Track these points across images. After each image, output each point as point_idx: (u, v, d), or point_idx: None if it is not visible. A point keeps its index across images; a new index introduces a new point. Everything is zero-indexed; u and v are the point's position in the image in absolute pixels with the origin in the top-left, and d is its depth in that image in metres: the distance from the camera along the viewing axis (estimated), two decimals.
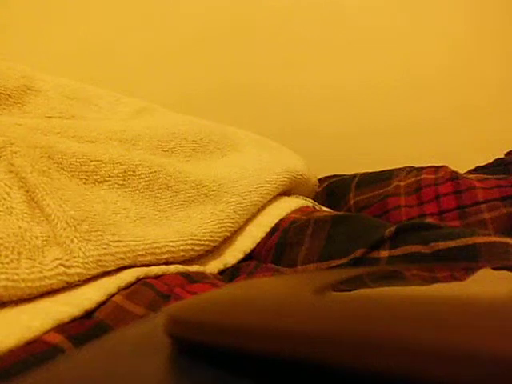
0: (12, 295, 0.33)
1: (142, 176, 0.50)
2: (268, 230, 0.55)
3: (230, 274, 0.49)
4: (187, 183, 0.52)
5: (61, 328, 0.32)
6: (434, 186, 0.61)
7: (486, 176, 0.61)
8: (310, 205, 0.64)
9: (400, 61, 1.02)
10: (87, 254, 0.38)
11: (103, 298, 0.36)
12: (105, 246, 0.39)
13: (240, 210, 0.53)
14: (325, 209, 0.66)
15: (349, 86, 1.04)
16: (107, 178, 0.47)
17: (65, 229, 0.38)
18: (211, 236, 0.48)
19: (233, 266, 0.50)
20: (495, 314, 0.10)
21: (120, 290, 0.38)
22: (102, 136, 0.53)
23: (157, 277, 0.41)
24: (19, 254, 0.34)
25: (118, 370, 0.14)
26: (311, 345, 0.11)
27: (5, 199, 0.38)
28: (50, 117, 0.58)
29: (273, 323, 0.12)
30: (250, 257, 0.53)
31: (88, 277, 0.38)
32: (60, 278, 0.36)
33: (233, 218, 0.52)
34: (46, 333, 0.31)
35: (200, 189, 0.53)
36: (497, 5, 0.98)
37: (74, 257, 0.37)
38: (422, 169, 0.67)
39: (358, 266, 0.45)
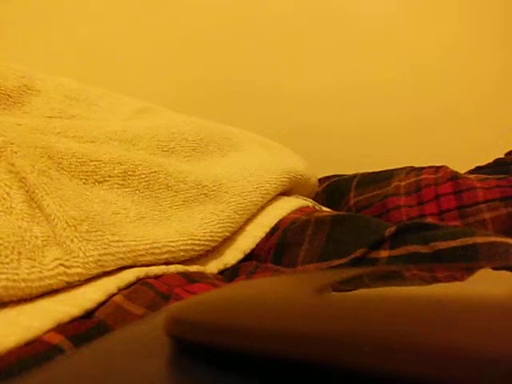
0: (12, 295, 0.33)
1: (142, 176, 0.50)
2: (268, 230, 0.55)
3: (230, 274, 0.49)
4: (187, 183, 0.52)
5: (61, 328, 0.32)
6: (433, 186, 0.61)
7: (485, 176, 0.61)
8: (310, 205, 0.64)
9: (400, 61, 1.02)
10: (87, 253, 0.38)
11: (103, 298, 0.36)
12: (105, 246, 0.39)
13: (240, 210, 0.53)
14: (325, 209, 0.65)
15: (349, 86, 1.04)
16: (107, 178, 0.47)
17: (65, 229, 0.38)
18: (211, 236, 0.48)
19: (233, 266, 0.50)
20: (495, 314, 0.10)
21: (120, 289, 0.38)
22: (102, 136, 0.53)
23: (157, 277, 0.41)
24: (19, 253, 0.34)
25: (117, 369, 0.14)
26: (311, 345, 0.11)
27: (5, 199, 0.38)
28: (50, 117, 0.58)
29: (273, 323, 0.12)
30: (250, 257, 0.53)
31: (88, 277, 0.38)
32: (60, 277, 0.36)
33: (233, 218, 0.52)
34: (46, 333, 0.31)
35: (200, 189, 0.53)
36: (495, 4, 0.98)
37: (74, 257, 0.37)
38: (421, 169, 0.67)
39: (357, 266, 0.45)
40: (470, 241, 0.41)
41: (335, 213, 0.57)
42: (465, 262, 0.40)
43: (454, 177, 0.61)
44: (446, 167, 0.66)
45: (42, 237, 0.37)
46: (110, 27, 1.12)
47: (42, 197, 0.40)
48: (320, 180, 0.78)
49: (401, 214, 0.60)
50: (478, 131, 0.96)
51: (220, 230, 0.50)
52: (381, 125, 1.02)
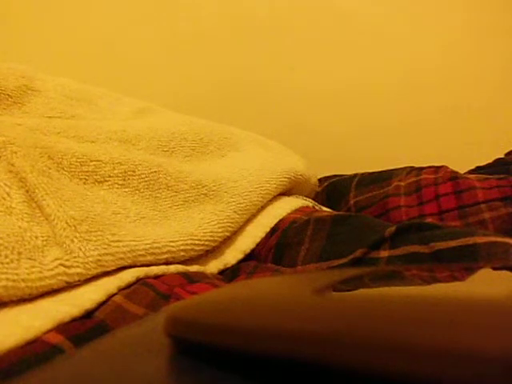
0: (12, 295, 0.33)
1: (142, 176, 0.50)
2: (268, 230, 0.55)
3: (230, 274, 0.49)
4: (187, 183, 0.52)
5: (61, 328, 0.32)
6: (433, 185, 0.61)
7: (486, 176, 0.61)
8: (310, 205, 0.64)
9: (400, 61, 1.02)
10: (87, 253, 0.38)
11: (103, 298, 0.36)
12: (105, 246, 0.39)
13: (240, 210, 0.53)
14: (325, 209, 0.65)
15: (349, 86, 1.04)
16: (107, 178, 0.47)
17: (65, 229, 0.38)
18: (211, 236, 0.48)
19: (233, 266, 0.50)
20: (495, 313, 0.10)
21: (120, 289, 0.38)
22: (102, 136, 0.53)
23: (157, 277, 0.41)
24: (19, 254, 0.34)
25: (117, 369, 0.14)
26: (311, 345, 0.11)
27: (5, 199, 0.38)
28: (50, 117, 0.58)
29: (273, 323, 0.12)
30: (250, 257, 0.53)
31: (88, 277, 0.38)
32: (60, 277, 0.36)
33: (233, 218, 0.52)
34: (46, 333, 0.31)
35: (200, 189, 0.53)
36: (495, 4, 0.98)
37: (74, 257, 0.37)
38: (421, 169, 0.67)
39: (357, 266, 0.45)
40: (470, 241, 0.41)
41: (335, 213, 0.57)
42: (465, 261, 0.40)
43: (454, 177, 0.61)
44: (446, 167, 0.66)
45: (42, 237, 0.37)
46: (110, 27, 1.12)
47: (41, 197, 0.40)
48: (320, 180, 0.78)
49: (401, 214, 0.61)
50: (478, 131, 0.96)
51: (220, 230, 0.50)
52: (381, 125, 1.02)
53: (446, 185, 0.60)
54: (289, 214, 0.58)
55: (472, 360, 0.08)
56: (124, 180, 0.48)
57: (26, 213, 0.38)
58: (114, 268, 0.39)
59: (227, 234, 0.51)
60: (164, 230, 0.46)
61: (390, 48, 1.02)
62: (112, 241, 0.40)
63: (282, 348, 0.11)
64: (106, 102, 0.69)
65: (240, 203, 0.54)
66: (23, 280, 0.33)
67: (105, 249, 0.39)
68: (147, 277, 0.40)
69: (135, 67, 1.11)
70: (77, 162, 0.46)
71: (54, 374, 0.14)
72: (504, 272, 0.24)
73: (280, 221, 0.56)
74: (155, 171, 0.51)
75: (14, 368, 0.27)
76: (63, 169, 0.45)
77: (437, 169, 0.65)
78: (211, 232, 0.48)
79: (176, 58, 1.10)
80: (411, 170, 0.69)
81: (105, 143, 0.52)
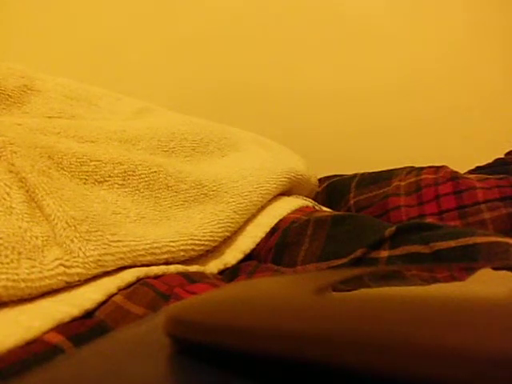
0: (12, 295, 0.33)
1: (142, 176, 0.50)
2: (268, 230, 0.55)
3: (229, 274, 0.49)
4: (187, 183, 0.52)
5: (61, 328, 0.32)
6: (433, 185, 0.61)
7: (486, 176, 0.61)
8: (310, 205, 0.64)
9: (400, 61, 1.02)
10: (87, 253, 0.38)
11: (103, 298, 0.36)
12: (105, 246, 0.39)
13: (240, 210, 0.53)
14: (325, 209, 0.65)
15: (349, 86, 1.04)
16: (107, 178, 0.47)
17: (65, 229, 0.38)
18: (211, 236, 0.48)
19: (233, 266, 0.50)
20: (495, 313, 0.10)
21: (120, 289, 0.38)
22: (102, 136, 0.53)
23: (157, 277, 0.41)
24: (19, 254, 0.34)
25: (117, 370, 0.14)
26: (311, 345, 0.11)
27: (5, 199, 0.38)
28: (49, 117, 0.58)
29: (273, 323, 0.12)
30: (250, 257, 0.53)
31: (88, 277, 0.38)
32: (60, 277, 0.36)
33: (233, 218, 0.52)
34: (46, 333, 0.31)
35: (200, 189, 0.53)
36: (496, 5, 0.98)
37: (74, 257, 0.37)
38: (421, 169, 0.67)
39: (357, 266, 0.45)
40: (470, 241, 0.41)
41: (335, 213, 0.57)
42: (465, 262, 0.40)
43: (454, 177, 0.61)
44: (446, 167, 0.66)
45: (42, 237, 0.37)
46: (111, 27, 1.12)
47: (41, 197, 0.40)
48: (320, 180, 0.78)
49: (401, 214, 0.60)
50: (478, 131, 0.96)
51: (220, 230, 0.50)
52: (381, 125, 1.02)
53: (446, 185, 0.60)
54: (289, 213, 0.58)
55: (472, 360, 0.08)
56: (124, 180, 0.48)
57: (25, 213, 0.38)
58: (114, 268, 0.39)
59: (227, 233, 0.51)
60: (164, 230, 0.46)
61: (390, 48, 1.02)
62: (112, 241, 0.40)
63: (282, 348, 0.11)
64: (106, 102, 0.69)
65: (240, 203, 0.54)
66: (23, 280, 0.33)
67: (105, 249, 0.39)
68: (147, 277, 0.40)
69: (135, 67, 1.11)
70: (77, 161, 0.46)
71: (54, 374, 0.14)
72: (504, 272, 0.24)
73: (280, 221, 0.56)
74: (155, 171, 0.51)
75: (14, 368, 0.27)
76: (63, 169, 0.45)
77: (437, 169, 0.65)
78: (211, 232, 0.48)
79: (176, 59, 1.10)
80: (411, 170, 0.69)
81: (105, 143, 0.53)
